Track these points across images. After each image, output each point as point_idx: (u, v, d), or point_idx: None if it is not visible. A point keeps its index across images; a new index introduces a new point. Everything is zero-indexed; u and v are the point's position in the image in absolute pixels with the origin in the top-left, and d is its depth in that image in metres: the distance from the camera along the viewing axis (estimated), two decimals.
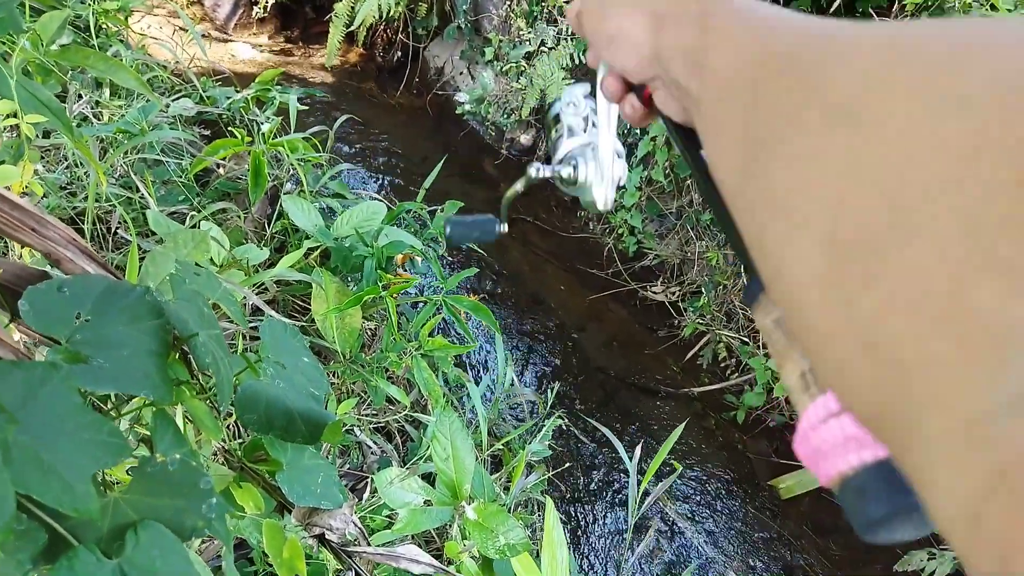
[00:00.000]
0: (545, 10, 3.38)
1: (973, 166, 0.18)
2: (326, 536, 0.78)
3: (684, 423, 1.90)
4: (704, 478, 2.84)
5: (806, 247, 0.23)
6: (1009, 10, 2.37)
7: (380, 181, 3.79)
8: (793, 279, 0.24)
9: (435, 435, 1.41)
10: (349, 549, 0.77)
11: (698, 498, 2.77)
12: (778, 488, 2.87)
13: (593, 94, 0.63)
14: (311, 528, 0.79)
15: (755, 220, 0.27)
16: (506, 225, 0.73)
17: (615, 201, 0.62)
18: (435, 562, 0.79)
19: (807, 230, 0.23)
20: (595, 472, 2.56)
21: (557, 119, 0.66)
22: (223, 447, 0.98)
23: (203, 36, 4.35)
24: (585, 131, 0.64)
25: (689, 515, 2.69)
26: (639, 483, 1.83)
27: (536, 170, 0.63)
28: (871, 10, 2.53)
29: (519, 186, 0.67)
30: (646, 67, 0.43)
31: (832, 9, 2.60)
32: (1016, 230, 0.17)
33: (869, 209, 0.20)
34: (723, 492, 2.83)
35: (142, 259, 1.76)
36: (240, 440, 0.86)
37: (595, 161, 0.60)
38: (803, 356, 0.29)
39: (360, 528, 0.80)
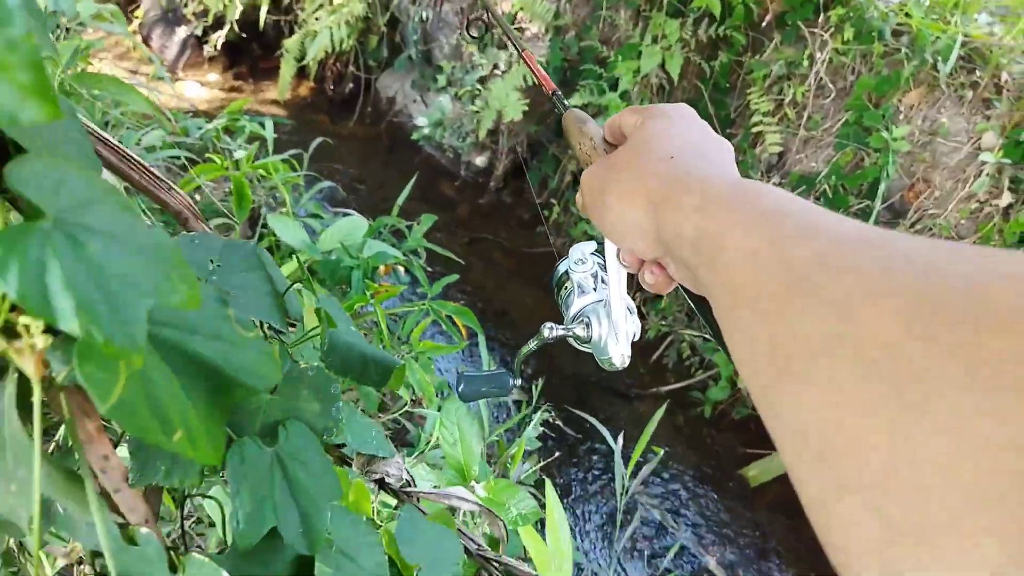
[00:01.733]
0: (496, 36, 3.53)
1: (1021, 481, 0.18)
2: (385, 480, 0.87)
3: (663, 406, 2.01)
4: (678, 473, 2.95)
5: (856, 511, 0.22)
6: (921, 17, 2.62)
7: (343, 210, 3.86)
8: (845, 538, 0.23)
9: (442, 420, 1.49)
10: (406, 490, 0.86)
11: (674, 492, 2.87)
12: (747, 476, 3.01)
13: (600, 251, 0.64)
14: (370, 475, 0.87)
15: (785, 448, 0.27)
16: (519, 380, 0.73)
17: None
18: (479, 502, 0.89)
19: (855, 495, 0.22)
20: (580, 462, 2.66)
21: (566, 276, 0.67)
22: None
23: (153, 78, 4.39)
24: (595, 288, 0.64)
25: (667, 508, 2.79)
26: (626, 465, 1.93)
27: (550, 330, 0.63)
28: (799, 23, 2.75)
29: (532, 345, 0.67)
30: (652, 248, 0.44)
31: (764, 24, 2.82)
32: None
33: (920, 495, 0.20)
34: (696, 485, 2.95)
35: None
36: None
37: (608, 319, 0.60)
38: None
39: (410, 475, 0.89)
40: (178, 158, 2.43)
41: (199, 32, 4.52)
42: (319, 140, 2.56)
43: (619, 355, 0.60)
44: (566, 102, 0.69)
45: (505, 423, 1.96)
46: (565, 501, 2.54)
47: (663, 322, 3.34)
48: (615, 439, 2.93)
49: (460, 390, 0.71)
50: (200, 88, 4.54)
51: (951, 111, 2.64)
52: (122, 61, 4.50)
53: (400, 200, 2.40)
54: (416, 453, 1.73)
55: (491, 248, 3.91)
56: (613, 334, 0.60)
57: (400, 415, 1.88)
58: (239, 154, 2.44)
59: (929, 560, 0.20)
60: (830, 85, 2.79)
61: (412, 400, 2.05)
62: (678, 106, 0.50)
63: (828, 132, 2.82)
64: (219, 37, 4.39)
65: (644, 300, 3.56)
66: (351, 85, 4.56)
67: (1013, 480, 0.18)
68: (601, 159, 0.52)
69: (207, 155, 2.49)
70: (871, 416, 0.22)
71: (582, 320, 0.62)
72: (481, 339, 2.17)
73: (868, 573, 0.22)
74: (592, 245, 0.66)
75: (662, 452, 2.29)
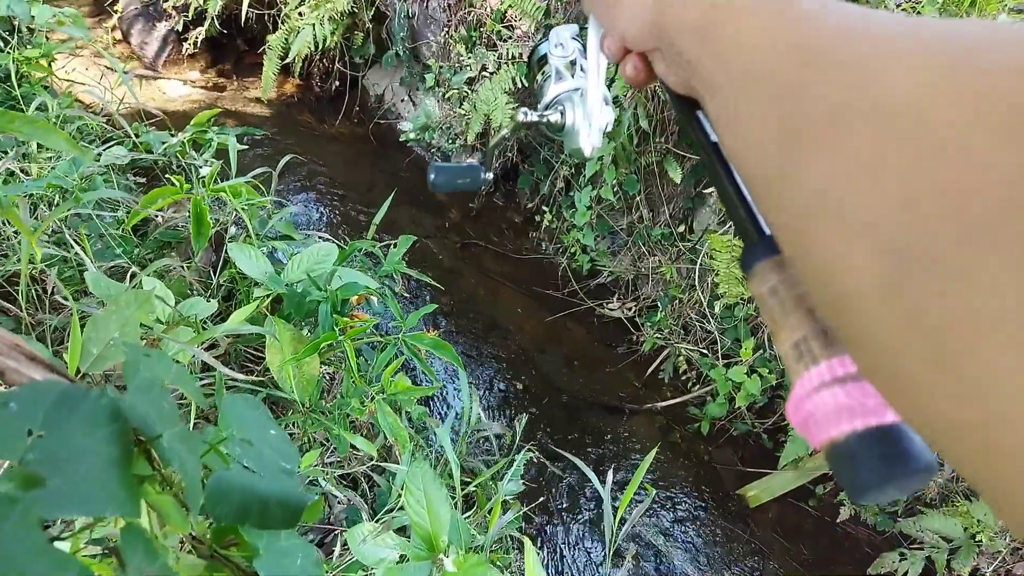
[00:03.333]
0: (484, 35, 3.37)
1: None
2: None
3: (656, 447, 1.88)
4: (674, 492, 2.84)
5: (864, 255, 0.22)
6: (933, 16, 2.45)
7: (327, 214, 3.72)
8: (848, 286, 0.23)
9: (407, 487, 1.36)
10: None
11: (670, 512, 2.76)
12: (746, 496, 2.89)
13: (581, 37, 0.62)
14: None
15: (795, 219, 0.26)
16: (491, 174, 0.72)
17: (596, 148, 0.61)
18: None
19: (865, 238, 0.22)
20: (568, 500, 2.53)
21: (544, 60, 0.65)
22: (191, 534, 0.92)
23: (133, 75, 4.22)
24: (572, 76, 0.62)
25: (662, 530, 2.68)
26: (615, 511, 1.80)
27: (524, 114, 0.62)
28: None
29: (505, 132, 0.67)
30: (647, 37, 0.41)
31: None
32: None
33: (936, 220, 0.20)
34: (693, 504, 2.84)
35: (83, 323, 1.68)
36: (210, 522, 0.80)
37: (583, 107, 0.59)
38: (799, 325, 0.29)
39: None
40: (140, 178, 2.29)
41: (180, 28, 4.35)
42: (288, 158, 2.40)
43: (589, 145, 0.59)
44: None
45: (483, 474, 1.82)
46: (554, 540, 2.42)
47: (659, 335, 3.20)
48: (607, 464, 2.83)
49: (432, 180, 0.70)
50: (182, 87, 4.38)
51: None
52: (101, 58, 4.34)
53: (377, 219, 2.25)
54: (381, 513, 1.60)
55: (482, 254, 3.78)
56: (586, 123, 0.58)
57: (369, 468, 1.75)
58: (205, 171, 2.30)
59: (936, 276, 0.20)
60: None
61: (386, 444, 1.92)
62: None
63: None
64: (199, 34, 4.22)
65: (640, 311, 3.42)
66: (337, 82, 4.39)
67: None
68: None
69: (171, 172, 2.35)
70: (888, 174, 0.22)
71: (557, 106, 0.61)
72: (462, 374, 2.03)
73: (874, 309, 0.22)
74: (573, 28, 0.64)
75: (654, 492, 2.16)
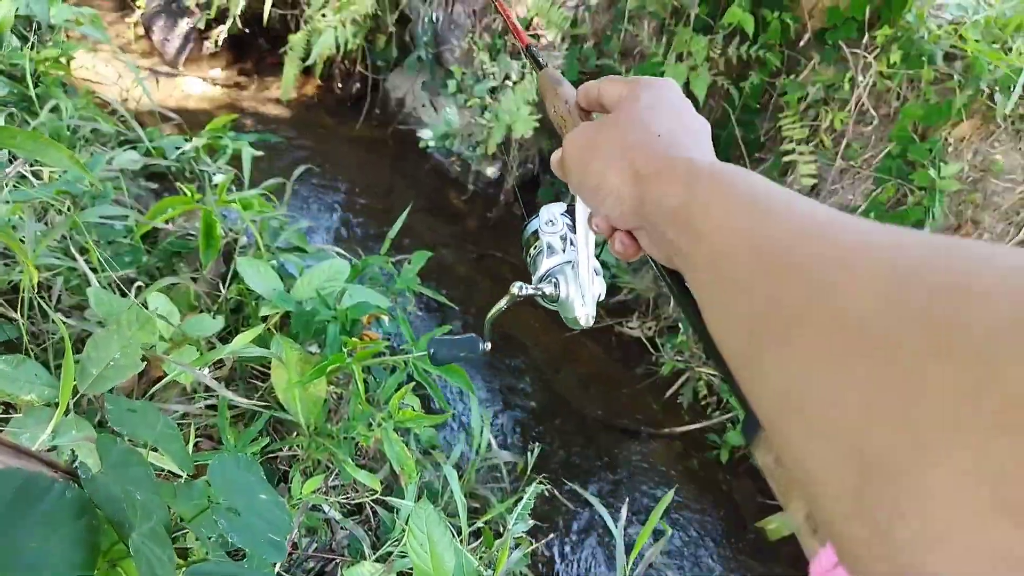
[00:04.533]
0: (508, 43, 3.30)
1: (976, 407, 0.19)
2: None
3: (672, 491, 1.79)
4: (690, 521, 2.75)
5: (833, 458, 0.24)
6: (976, 40, 2.35)
7: (343, 219, 3.67)
8: (820, 487, 0.24)
9: (411, 529, 1.29)
10: None
11: (685, 543, 2.68)
12: (766, 529, 2.80)
13: (570, 212, 0.66)
14: None
15: (767, 411, 0.28)
16: (489, 344, 0.75)
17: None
18: None
19: (832, 441, 0.24)
20: (579, 535, 2.45)
21: (536, 236, 0.68)
22: None
23: (152, 72, 4.20)
24: (564, 250, 0.66)
25: (677, 562, 2.60)
26: (628, 548, 1.72)
27: (519, 288, 0.65)
28: (841, 42, 2.49)
29: (502, 304, 0.68)
30: (630, 218, 0.45)
31: (802, 44, 2.56)
32: (1016, 471, 0.18)
33: (891, 433, 0.21)
34: (710, 535, 2.75)
35: (86, 339, 1.62)
36: None
37: (575, 280, 0.62)
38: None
39: None
40: (153, 183, 2.24)
41: (202, 26, 4.32)
42: (303, 168, 2.34)
43: (584, 315, 0.62)
44: (541, 60, 0.71)
45: (489, 511, 1.75)
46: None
47: (679, 358, 3.11)
48: (621, 490, 2.74)
49: (432, 354, 0.73)
50: (202, 84, 4.35)
51: (1007, 146, 2.37)
52: (124, 53, 4.32)
53: (392, 233, 2.19)
54: (383, 549, 1.53)
55: (500, 266, 3.70)
56: (580, 294, 0.62)
57: (372, 500, 1.68)
58: (219, 178, 2.24)
59: (899, 492, 0.21)
60: (872, 112, 2.53)
61: (392, 473, 1.85)
62: (665, 82, 0.51)
63: (868, 163, 2.56)
64: (221, 32, 4.19)
65: (660, 331, 3.33)
66: (358, 84, 4.34)
67: (975, 417, 0.19)
68: (587, 125, 0.53)
69: (182, 180, 2.29)
70: (846, 376, 0.23)
71: (550, 280, 0.64)
72: (474, 400, 1.96)
73: (845, 515, 0.23)
74: (562, 207, 0.68)
75: (670, 532, 2.08)
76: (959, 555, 0.19)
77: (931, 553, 0.20)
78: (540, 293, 0.64)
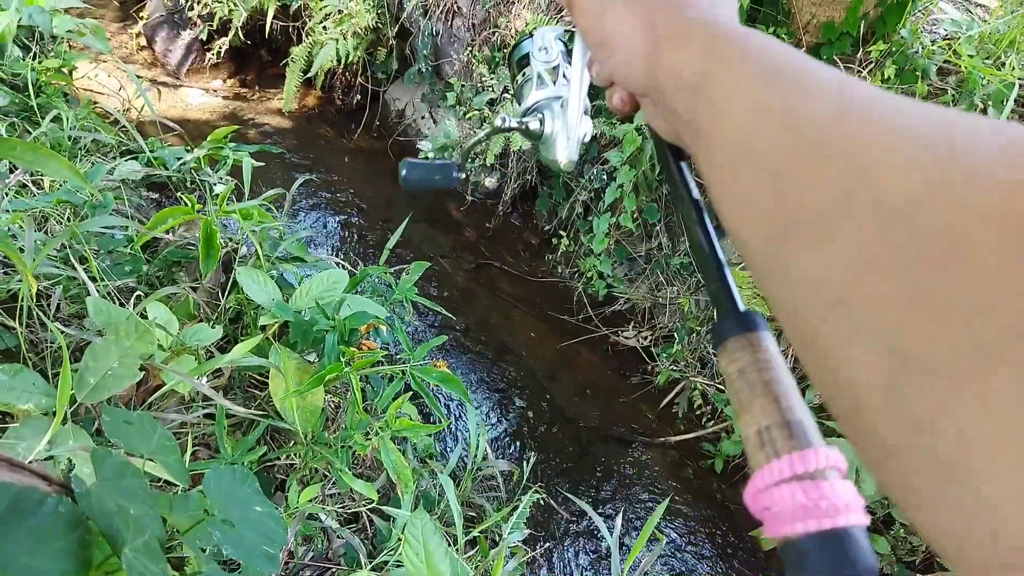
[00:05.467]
0: (507, 56, 3.32)
1: None
2: None
3: (667, 499, 1.80)
4: (685, 530, 2.75)
5: (865, 352, 0.23)
6: (970, 56, 2.37)
7: (342, 229, 3.69)
8: (849, 380, 0.24)
9: (407, 539, 1.30)
10: None
11: (680, 551, 2.68)
12: (759, 539, 2.80)
13: (566, 42, 0.61)
14: None
15: (793, 304, 0.26)
16: (464, 173, 0.71)
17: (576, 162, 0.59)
18: None
19: (866, 335, 0.23)
20: (575, 544, 2.45)
21: (526, 61, 0.63)
22: None
23: (154, 83, 4.22)
24: (555, 82, 0.60)
25: (671, 571, 2.60)
26: (623, 559, 1.73)
27: (503, 120, 0.61)
28: (835, 57, 2.51)
29: (483, 135, 0.66)
30: (639, 81, 0.41)
31: None
32: None
33: (943, 329, 0.20)
34: (704, 544, 2.75)
35: (84, 348, 1.64)
36: None
37: (563, 118, 0.57)
38: (764, 413, 0.30)
39: None
40: (154, 193, 2.26)
41: (204, 37, 4.35)
42: (303, 178, 2.36)
43: (566, 157, 0.57)
44: None
45: (484, 521, 1.76)
46: None
47: (674, 368, 3.13)
48: (616, 500, 2.75)
49: (404, 175, 0.69)
50: (204, 95, 4.37)
51: None
52: (126, 64, 4.35)
53: (390, 243, 2.20)
54: (379, 559, 1.54)
55: (497, 276, 3.72)
56: (565, 134, 0.57)
57: (368, 510, 1.69)
58: (219, 189, 2.26)
59: (948, 390, 0.20)
60: None
61: (389, 482, 1.87)
62: None
63: None
64: (223, 44, 4.22)
65: (655, 341, 3.35)
66: (359, 96, 4.37)
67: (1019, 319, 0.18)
68: None
69: (183, 190, 2.31)
70: (890, 274, 0.22)
71: (536, 114, 0.59)
72: (470, 410, 1.97)
73: (876, 409, 0.22)
74: (558, 30, 0.62)
75: (664, 540, 2.08)
76: (1015, 460, 0.18)
77: (982, 454, 0.19)
78: (523, 127, 0.59)
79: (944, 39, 2.49)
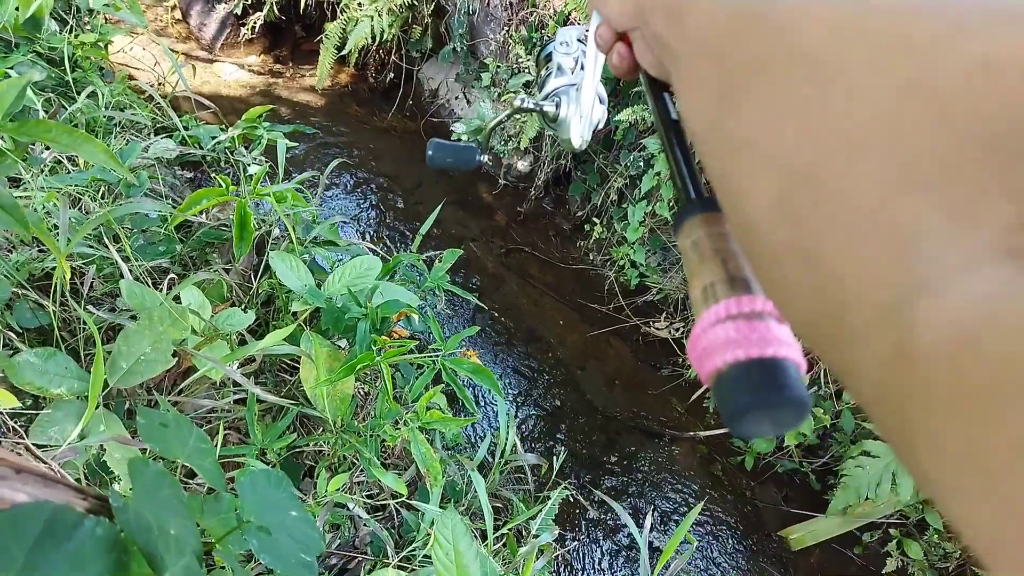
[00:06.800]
0: (544, 37, 3.25)
1: (907, 103, 0.20)
2: None
3: (701, 503, 1.76)
4: (712, 527, 2.72)
5: (764, 179, 0.24)
6: None
7: (374, 211, 3.66)
8: (750, 206, 0.25)
9: (436, 537, 1.28)
10: None
11: (707, 549, 2.65)
12: (788, 539, 2.76)
13: (585, 39, 0.66)
14: None
15: (720, 160, 0.28)
16: (486, 156, 0.75)
17: (589, 142, 0.64)
18: None
19: (767, 165, 0.24)
20: (603, 541, 2.43)
21: (549, 57, 0.69)
22: None
23: (189, 57, 4.21)
24: (572, 71, 0.66)
25: (698, 568, 2.57)
26: (652, 563, 1.70)
27: (521, 101, 0.66)
28: None
29: (503, 116, 0.71)
30: (629, 16, 0.44)
31: None
32: (940, 155, 0.19)
33: (822, 142, 0.22)
34: (732, 542, 2.72)
35: (116, 328, 1.63)
36: None
37: (577, 102, 0.62)
38: (711, 273, 0.31)
39: None
40: (188, 172, 2.24)
41: (239, 11, 4.32)
42: (337, 161, 2.33)
43: (579, 136, 0.62)
44: None
45: (513, 518, 1.73)
46: None
47: None
48: (644, 495, 2.71)
49: (428, 155, 0.73)
50: (238, 71, 4.36)
51: None
52: (160, 38, 4.34)
53: (423, 229, 2.17)
54: (406, 552, 1.52)
55: (528, 261, 3.68)
56: (579, 116, 0.61)
57: (397, 504, 1.67)
58: (253, 169, 2.24)
59: (822, 192, 0.22)
60: None
61: (417, 472, 1.85)
62: None
63: None
64: (257, 19, 4.19)
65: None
66: (392, 74, 4.32)
67: (903, 115, 0.20)
68: None
69: (217, 169, 2.29)
70: (790, 104, 0.24)
71: (554, 98, 0.64)
72: (501, 402, 1.94)
73: (769, 223, 0.24)
74: (580, 30, 0.67)
75: (696, 543, 2.05)
76: (859, 235, 0.20)
77: (835, 235, 0.21)
78: (540, 109, 0.64)
79: None
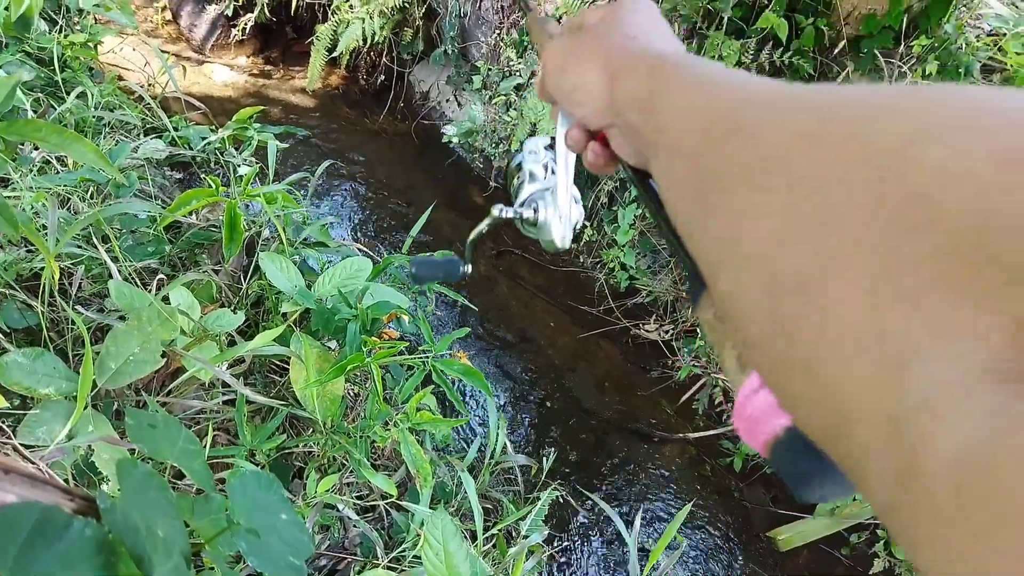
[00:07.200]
0: (513, 150, 3.27)
1: (880, 213, 0.21)
2: None
3: (690, 503, 1.77)
4: (701, 528, 2.73)
5: (750, 285, 0.26)
6: (1017, 53, 2.29)
7: (364, 212, 3.66)
8: (742, 313, 0.26)
9: (426, 538, 1.28)
10: None
11: (695, 549, 2.66)
12: (777, 539, 2.77)
13: (552, 146, 0.68)
14: None
15: (707, 257, 0.30)
16: (470, 266, 0.76)
17: (572, 242, 0.67)
18: None
19: (750, 272, 0.26)
20: (593, 541, 2.43)
21: (519, 167, 0.70)
22: None
23: (179, 58, 4.20)
24: (544, 177, 0.67)
25: (686, 569, 2.58)
26: (642, 564, 1.70)
27: (500, 211, 0.66)
28: (876, 51, 2.44)
29: (483, 227, 0.70)
30: (603, 115, 0.46)
31: (837, 51, 2.51)
32: (915, 266, 0.20)
33: (800, 252, 0.23)
34: (720, 543, 2.72)
35: (105, 329, 1.62)
36: None
37: (554, 205, 0.63)
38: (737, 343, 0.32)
39: None
40: (177, 173, 2.24)
41: (229, 13, 4.31)
42: (328, 163, 2.33)
43: (560, 236, 0.64)
44: (531, 3, 0.77)
45: (503, 518, 1.74)
46: None
47: (695, 363, 3.08)
48: (633, 496, 2.72)
49: (413, 272, 0.74)
50: (229, 72, 4.35)
51: None
52: (151, 39, 4.32)
53: (413, 232, 2.17)
54: (396, 553, 1.52)
55: (518, 263, 3.68)
56: (557, 218, 0.63)
57: (387, 505, 1.67)
58: (243, 170, 2.24)
59: (805, 300, 0.23)
60: None
61: (408, 477, 1.85)
62: (644, 1, 0.52)
63: None
64: (248, 20, 4.18)
65: (677, 335, 3.30)
66: (383, 76, 4.32)
67: (874, 225, 0.21)
68: (564, 36, 0.54)
69: (207, 170, 2.29)
70: (765, 209, 0.25)
71: (531, 204, 0.65)
72: (491, 403, 1.95)
73: (762, 333, 0.25)
74: (546, 139, 0.69)
75: (685, 543, 2.06)
76: (854, 348, 0.21)
77: (829, 349, 0.22)
78: (520, 216, 0.65)
79: (989, 35, 2.41)
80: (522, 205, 0.66)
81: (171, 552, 0.51)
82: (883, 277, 0.20)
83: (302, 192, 2.31)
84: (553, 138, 0.65)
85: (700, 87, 0.35)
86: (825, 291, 0.22)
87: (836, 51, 2.52)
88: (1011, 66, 2.27)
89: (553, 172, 0.67)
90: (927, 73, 2.37)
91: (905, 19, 2.41)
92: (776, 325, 0.24)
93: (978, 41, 2.38)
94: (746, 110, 0.30)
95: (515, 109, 3.24)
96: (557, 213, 0.63)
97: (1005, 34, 2.36)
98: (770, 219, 0.25)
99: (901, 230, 0.20)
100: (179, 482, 1.48)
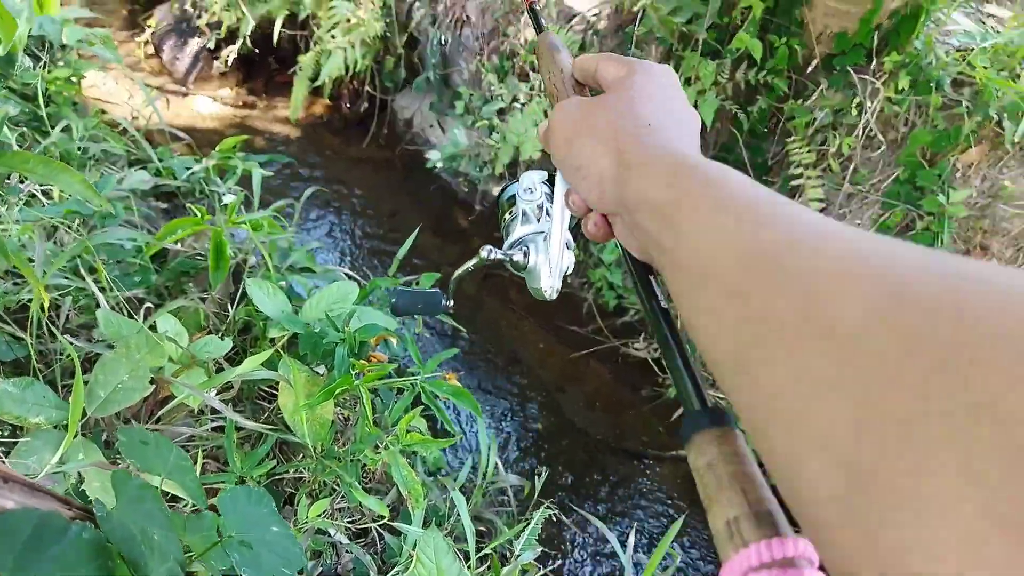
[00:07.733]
0: (516, 66, 3.32)
1: (975, 428, 0.20)
2: None
3: (683, 517, 1.78)
4: (695, 543, 2.72)
5: (820, 466, 0.24)
6: (985, 67, 2.35)
7: (350, 238, 3.67)
8: (805, 492, 0.25)
9: (419, 558, 1.28)
10: None
11: (690, 564, 2.65)
12: None
13: (550, 182, 0.65)
14: None
15: (755, 416, 0.28)
16: (452, 301, 0.75)
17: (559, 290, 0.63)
18: None
19: (821, 451, 0.24)
20: (587, 557, 2.42)
21: (512, 201, 0.68)
22: None
23: (162, 91, 4.23)
24: (539, 220, 0.65)
25: None
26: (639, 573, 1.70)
27: (488, 252, 0.64)
28: (849, 68, 2.49)
29: (469, 266, 0.69)
30: (609, 204, 0.45)
31: (810, 69, 2.56)
32: (1015, 490, 0.19)
33: (885, 443, 0.22)
34: (713, 560, 2.72)
35: (93, 359, 1.62)
36: None
37: (545, 251, 0.61)
38: (732, 504, 0.30)
39: None
40: (163, 203, 2.25)
41: (212, 45, 4.35)
42: (313, 189, 2.35)
43: (549, 286, 0.61)
44: (543, 21, 0.71)
45: (496, 538, 1.74)
46: None
47: None
48: (627, 515, 2.72)
49: (393, 303, 0.72)
50: (212, 104, 4.37)
51: (1016, 172, 2.37)
52: (134, 72, 4.35)
53: (400, 253, 2.19)
54: (392, 572, 1.52)
55: (506, 285, 3.70)
56: (548, 265, 0.61)
57: (379, 526, 1.67)
58: (228, 199, 2.25)
59: (891, 499, 0.21)
60: (880, 136, 2.53)
61: (399, 496, 1.84)
62: (662, 69, 0.50)
63: (876, 188, 2.56)
64: (230, 52, 4.22)
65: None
66: (366, 105, 4.37)
67: (970, 437, 0.20)
68: (579, 100, 0.52)
69: (192, 200, 2.30)
70: (838, 390, 0.24)
71: (521, 247, 0.63)
72: (481, 423, 1.95)
73: (832, 521, 0.24)
74: (543, 175, 0.66)
75: (679, 557, 2.06)
76: (945, 561, 0.20)
77: (921, 565, 0.20)
78: (509, 259, 0.64)
79: (958, 51, 2.47)
80: (512, 247, 0.65)
81: (166, 557, 0.51)
82: (978, 498, 0.19)
83: (287, 219, 2.33)
84: (551, 174, 0.63)
85: (729, 208, 0.34)
86: (914, 494, 0.21)
87: (810, 69, 2.57)
88: (980, 80, 2.33)
89: (548, 214, 0.64)
90: (899, 88, 2.42)
91: (876, 37, 2.47)
92: (854, 518, 0.23)
93: (948, 56, 2.44)
94: (797, 256, 0.28)
95: (498, 133, 3.28)
96: (548, 262, 0.61)
97: (973, 49, 2.42)
98: (846, 404, 0.23)
99: (999, 452, 0.19)
100: (172, 505, 1.47)
